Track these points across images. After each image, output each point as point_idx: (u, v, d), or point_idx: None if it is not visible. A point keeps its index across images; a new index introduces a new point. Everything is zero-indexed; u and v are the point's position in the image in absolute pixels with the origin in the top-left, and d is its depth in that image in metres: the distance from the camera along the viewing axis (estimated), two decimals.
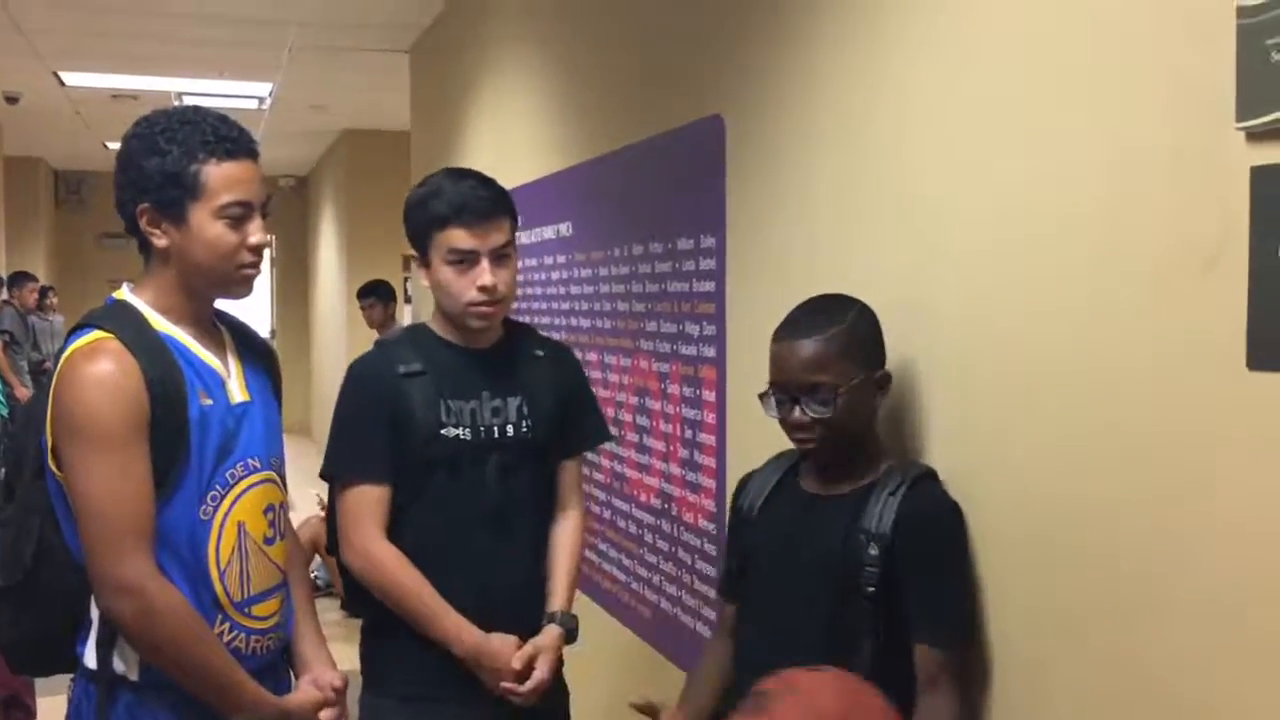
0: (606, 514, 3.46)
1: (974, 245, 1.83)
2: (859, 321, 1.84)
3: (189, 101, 8.02)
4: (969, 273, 1.84)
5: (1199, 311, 1.38)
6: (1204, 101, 1.36)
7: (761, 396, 1.88)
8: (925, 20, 1.95)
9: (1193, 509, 1.41)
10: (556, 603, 2.27)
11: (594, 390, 3.47)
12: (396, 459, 2.16)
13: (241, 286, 1.91)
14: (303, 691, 1.96)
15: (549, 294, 3.98)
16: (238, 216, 1.84)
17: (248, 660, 1.87)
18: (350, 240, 9.95)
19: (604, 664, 3.47)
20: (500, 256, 2.18)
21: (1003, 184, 1.76)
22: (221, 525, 1.85)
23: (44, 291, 10.29)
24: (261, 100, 8.37)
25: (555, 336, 3.83)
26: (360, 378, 2.25)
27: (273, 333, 13.77)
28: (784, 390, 1.84)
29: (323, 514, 6.45)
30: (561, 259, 3.81)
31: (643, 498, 3.18)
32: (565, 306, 3.79)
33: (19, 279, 9.80)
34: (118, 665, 1.81)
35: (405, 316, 7.16)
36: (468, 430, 2.18)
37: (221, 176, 1.82)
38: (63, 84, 7.88)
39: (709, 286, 2.77)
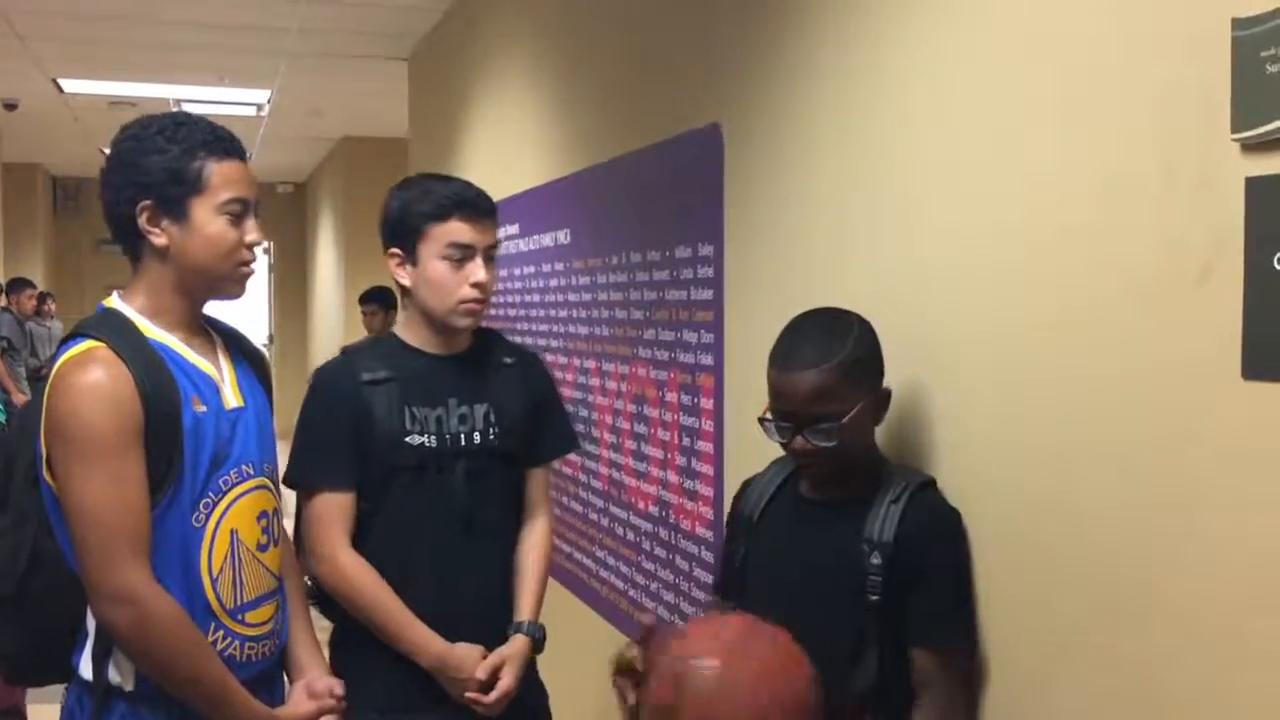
0: (604, 521, 3.46)
1: (971, 255, 1.83)
2: (859, 344, 1.82)
3: (188, 108, 8.05)
4: (967, 282, 1.84)
5: (1194, 321, 1.39)
6: (1200, 113, 1.36)
7: (761, 422, 1.86)
8: (923, 30, 1.95)
9: (1188, 517, 1.41)
10: (524, 612, 2.26)
11: (593, 398, 3.48)
12: (360, 466, 2.16)
13: (238, 285, 1.92)
14: (295, 702, 1.96)
15: (547, 301, 3.98)
16: (237, 214, 1.86)
17: (242, 668, 1.86)
18: (348, 247, 9.95)
19: (601, 670, 3.47)
20: (490, 257, 2.19)
21: (1000, 194, 1.76)
22: (214, 532, 1.84)
23: (42, 297, 10.29)
24: (260, 107, 8.38)
25: (553, 344, 3.84)
26: (323, 385, 2.24)
27: (270, 339, 13.78)
28: (786, 419, 1.82)
29: None
30: (560, 266, 3.81)
31: (641, 505, 3.19)
32: (563, 314, 3.80)
33: (17, 285, 9.80)
34: (113, 676, 1.80)
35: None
36: (433, 437, 2.18)
37: (222, 174, 1.85)
38: (61, 91, 7.89)
39: (707, 295, 2.77)
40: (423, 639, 2.13)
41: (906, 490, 1.80)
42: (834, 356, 1.78)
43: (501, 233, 4.78)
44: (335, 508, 2.16)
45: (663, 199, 3.04)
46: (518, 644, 2.22)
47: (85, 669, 1.83)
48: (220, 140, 1.87)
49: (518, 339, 3.47)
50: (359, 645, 2.17)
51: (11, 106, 8.54)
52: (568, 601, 3.70)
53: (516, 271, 4.41)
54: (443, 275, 2.15)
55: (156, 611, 1.74)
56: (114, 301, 1.90)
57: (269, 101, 8.19)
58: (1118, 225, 1.52)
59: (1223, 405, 1.35)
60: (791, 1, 2.40)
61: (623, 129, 3.33)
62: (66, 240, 13.84)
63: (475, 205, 2.17)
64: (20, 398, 8.88)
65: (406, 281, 2.21)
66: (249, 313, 12.87)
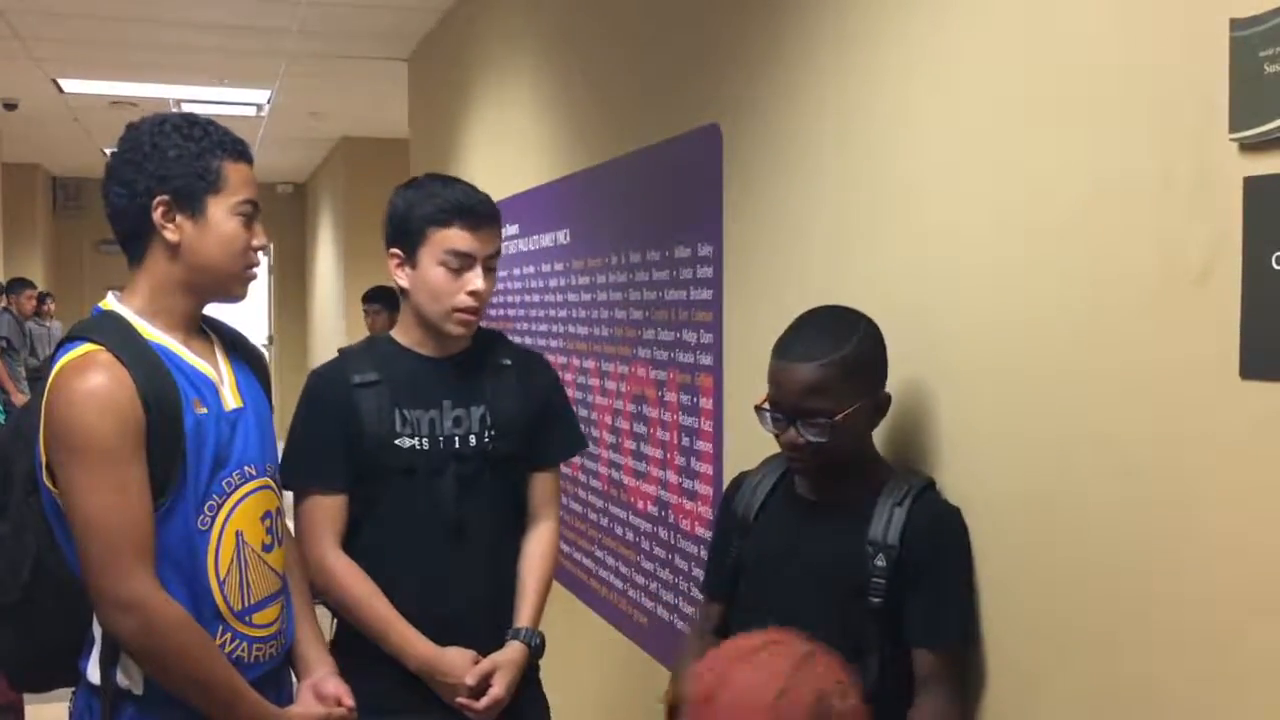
0: (604, 521, 3.46)
1: (971, 254, 1.84)
2: (863, 345, 1.81)
3: (188, 108, 8.04)
4: (965, 283, 1.85)
5: (1193, 320, 1.39)
6: (1198, 113, 1.37)
7: (758, 410, 1.87)
8: (923, 31, 1.96)
9: (1187, 517, 1.41)
10: (522, 618, 2.22)
11: (592, 398, 3.48)
12: (351, 469, 2.15)
13: (243, 287, 1.92)
14: (304, 702, 1.95)
15: (546, 301, 3.98)
16: (249, 215, 1.88)
17: (250, 669, 1.86)
18: (348, 247, 9.95)
19: (600, 670, 3.47)
20: (490, 266, 2.18)
21: (1000, 194, 1.77)
22: (220, 534, 1.84)
23: (41, 298, 10.29)
24: (260, 107, 8.38)
25: (552, 344, 3.84)
26: (314, 387, 2.24)
27: (270, 339, 13.78)
28: (780, 410, 1.82)
29: None
30: (559, 267, 3.81)
31: (640, 505, 3.19)
32: (563, 314, 3.80)
33: (16, 285, 9.80)
34: (121, 680, 1.80)
35: None
36: (425, 440, 2.15)
37: (238, 175, 1.87)
38: (61, 91, 7.89)
39: (706, 295, 2.78)
40: (409, 642, 2.12)
41: (909, 493, 1.79)
42: (835, 353, 1.78)
43: (502, 233, 4.79)
44: (324, 510, 2.15)
45: (662, 199, 3.04)
46: (512, 651, 2.18)
47: (93, 673, 1.82)
48: (235, 143, 1.89)
49: (517, 339, 3.47)
50: (357, 647, 2.16)
51: (11, 106, 8.53)
52: (566, 601, 3.71)
53: (516, 272, 4.41)
54: (440, 281, 2.13)
55: (162, 618, 1.73)
56: (111, 303, 1.89)
57: (269, 102, 8.19)
58: (1116, 225, 1.52)
59: (1221, 405, 1.35)
60: (791, 2, 2.40)
61: (622, 129, 3.33)
62: (66, 241, 13.83)
63: (477, 213, 2.15)
64: (20, 398, 8.89)
65: (405, 283, 2.19)
66: (249, 313, 12.87)
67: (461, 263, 2.13)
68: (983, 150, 1.80)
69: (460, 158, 5.50)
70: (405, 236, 2.17)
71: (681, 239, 2.90)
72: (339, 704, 1.96)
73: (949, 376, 1.88)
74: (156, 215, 1.83)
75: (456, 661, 2.13)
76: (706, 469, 2.77)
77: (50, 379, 1.77)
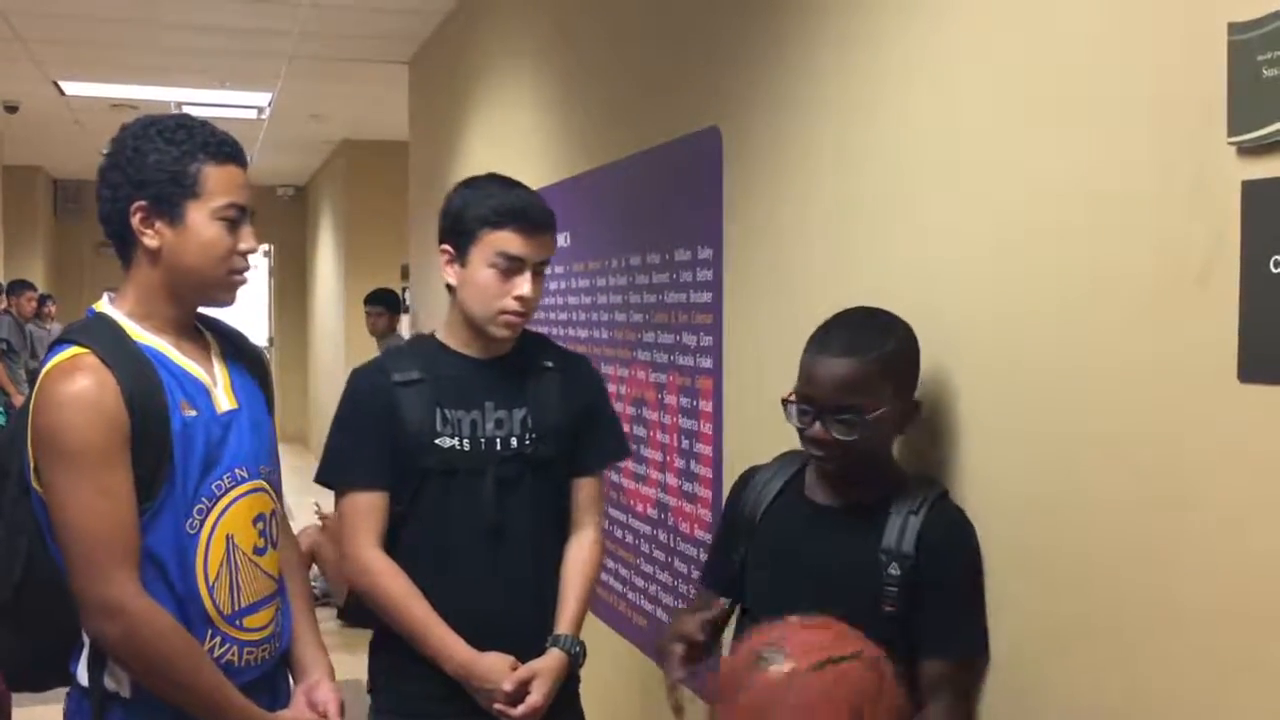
0: (603, 523, 3.46)
1: (970, 258, 1.84)
2: (901, 347, 1.79)
3: (189, 111, 8.05)
4: (965, 285, 1.85)
5: (1191, 324, 1.39)
6: (1197, 116, 1.37)
7: (784, 402, 1.83)
8: (924, 34, 1.96)
9: (1185, 518, 1.42)
10: (563, 625, 2.17)
11: None
12: (392, 467, 2.12)
13: (228, 292, 1.89)
14: (297, 706, 1.93)
15: (547, 304, 3.99)
16: (233, 220, 1.83)
17: (241, 673, 1.84)
18: (349, 250, 9.96)
19: (599, 672, 3.47)
20: (539, 271, 2.14)
21: (1000, 196, 1.77)
22: (209, 538, 1.82)
23: (42, 300, 10.29)
24: (261, 110, 8.39)
25: None
26: (356, 385, 2.22)
27: (271, 342, 13.78)
28: (810, 403, 1.78)
29: (321, 523, 6.46)
30: (559, 269, 3.82)
31: (639, 508, 3.19)
32: (563, 317, 3.81)
33: (17, 287, 9.81)
34: (109, 683, 1.79)
35: (404, 326, 7.16)
36: (466, 441, 2.13)
37: (220, 178, 1.82)
38: (62, 93, 7.90)
39: (706, 297, 2.78)
40: (447, 645, 2.08)
41: (925, 501, 1.76)
42: (872, 350, 1.75)
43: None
44: (364, 508, 2.13)
45: (662, 202, 3.04)
46: (551, 658, 2.13)
47: (82, 675, 1.81)
48: (221, 145, 1.84)
49: None
50: (396, 648, 2.13)
51: (12, 109, 8.54)
52: None
53: None
54: (488, 283, 2.10)
55: (145, 623, 1.72)
56: (103, 305, 1.88)
57: (270, 105, 8.20)
58: (1116, 228, 1.52)
59: (1219, 408, 1.35)
60: (791, 4, 2.40)
61: (622, 132, 3.34)
62: (67, 243, 13.84)
63: (531, 218, 2.11)
64: (20, 400, 8.88)
65: (453, 280, 2.16)
66: (249, 315, 12.88)
67: (511, 265, 2.09)
68: (983, 154, 1.81)
69: (460, 161, 5.50)
70: (458, 234, 2.14)
71: (681, 242, 2.90)
72: (326, 713, 1.93)
73: (949, 378, 1.88)
74: (135, 221, 1.81)
75: (495, 666, 2.08)
76: (706, 472, 2.77)
77: (38, 382, 1.77)
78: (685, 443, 2.90)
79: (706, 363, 2.78)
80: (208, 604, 1.81)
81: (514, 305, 2.10)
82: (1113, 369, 1.53)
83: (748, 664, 1.53)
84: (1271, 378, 1.28)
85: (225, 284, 1.87)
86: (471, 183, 2.21)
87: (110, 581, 1.70)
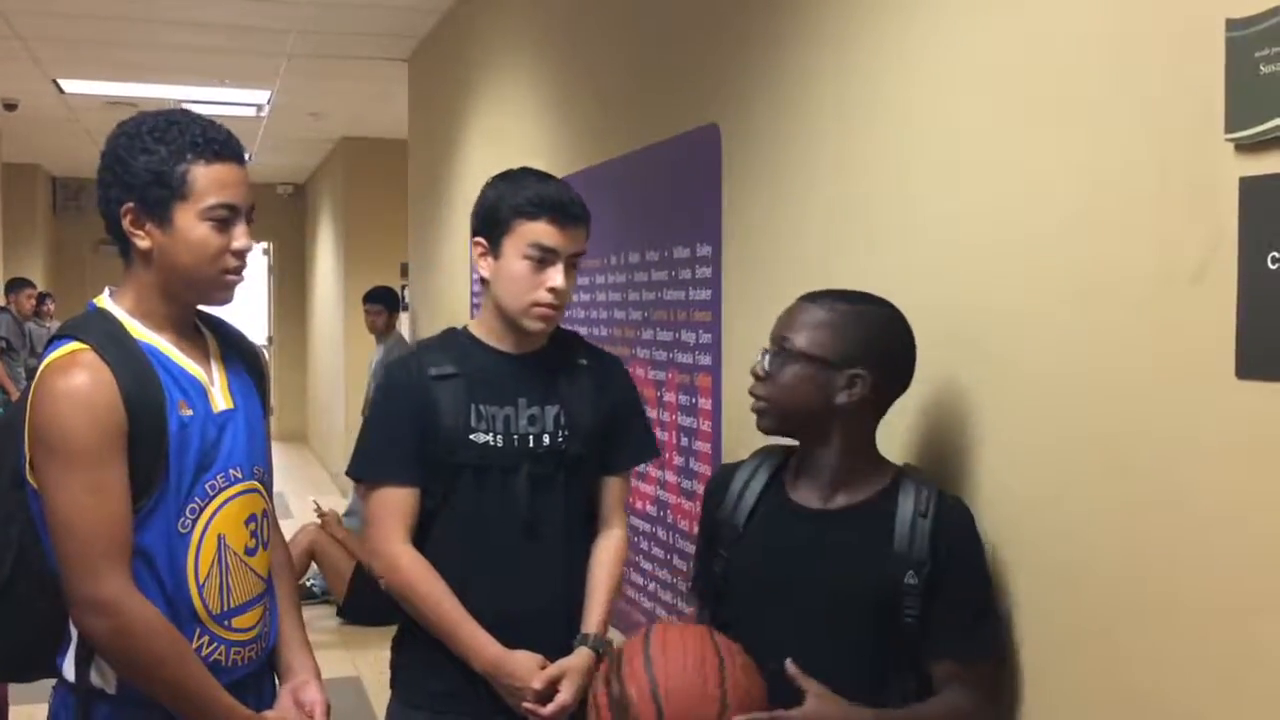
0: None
1: (968, 256, 1.84)
2: (868, 313, 1.75)
3: (188, 109, 8.05)
4: (962, 283, 1.85)
5: (1189, 320, 1.39)
6: (1194, 113, 1.37)
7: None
8: (922, 32, 1.96)
9: (1182, 515, 1.42)
10: (591, 624, 2.15)
11: None
12: (424, 462, 2.11)
13: (223, 291, 1.87)
14: (283, 707, 1.92)
15: None
16: (223, 219, 1.80)
17: (228, 672, 1.84)
18: (348, 248, 9.95)
19: None
20: (573, 264, 2.13)
21: (997, 194, 1.77)
22: (201, 538, 1.81)
23: (41, 298, 10.29)
24: (260, 108, 8.39)
25: None
26: (391, 379, 2.22)
27: (270, 340, 13.78)
28: (770, 344, 1.80)
29: (320, 521, 6.45)
30: None
31: (639, 505, 3.19)
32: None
33: (16, 285, 9.81)
34: (95, 679, 1.79)
35: (403, 324, 7.16)
36: (499, 437, 2.12)
37: (209, 178, 1.79)
38: (61, 91, 7.89)
39: (705, 295, 2.78)
40: (478, 642, 2.06)
41: (929, 500, 1.71)
42: (837, 302, 1.75)
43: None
44: (396, 503, 2.11)
45: (661, 199, 3.04)
46: (580, 657, 2.11)
47: (68, 670, 1.81)
48: (211, 142, 1.80)
49: None
50: (422, 643, 2.13)
51: (11, 107, 8.54)
52: None
53: None
54: (521, 274, 2.09)
55: (134, 621, 1.72)
56: (104, 301, 1.87)
57: (269, 102, 8.20)
58: (1115, 225, 1.52)
59: (1217, 404, 1.35)
60: (791, 2, 2.40)
61: (621, 130, 3.34)
62: (66, 241, 13.83)
63: (565, 210, 2.09)
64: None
65: (486, 273, 2.16)
66: (248, 314, 12.87)
67: (544, 257, 2.08)
68: (981, 151, 1.81)
69: (460, 158, 5.50)
70: (492, 226, 2.13)
71: (680, 239, 2.90)
72: (313, 713, 1.92)
73: (946, 376, 1.88)
74: (125, 223, 1.80)
75: (524, 664, 2.07)
76: (705, 469, 2.78)
77: (36, 376, 1.76)
78: (684, 440, 2.90)
79: (705, 360, 2.78)
80: (197, 603, 1.81)
81: (546, 297, 2.09)
82: (1111, 366, 1.53)
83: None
84: (1269, 374, 1.28)
85: (218, 284, 1.85)
86: (506, 175, 2.19)
87: (101, 578, 1.70)
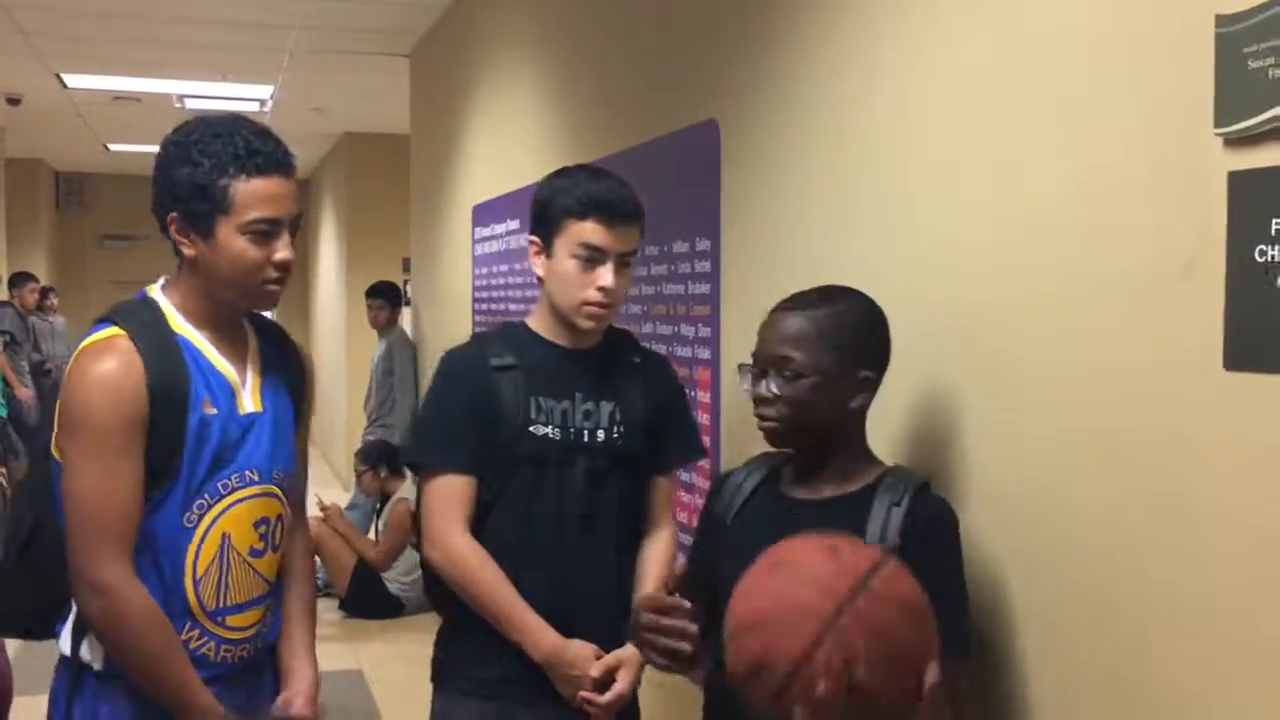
0: None
1: (963, 250, 1.86)
2: (852, 311, 1.76)
3: (191, 104, 8.06)
4: (958, 276, 1.86)
5: (1179, 313, 1.41)
6: (1185, 108, 1.39)
7: (740, 368, 1.82)
8: (919, 27, 1.98)
9: (1173, 505, 1.43)
10: None
11: None
12: (484, 452, 2.11)
13: (264, 301, 1.90)
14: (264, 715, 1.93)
15: None
16: (264, 233, 1.82)
17: (215, 667, 1.87)
18: (350, 243, 9.97)
19: None
20: (624, 263, 2.13)
21: (992, 189, 1.79)
22: (205, 534, 1.85)
23: (44, 292, 10.31)
24: (262, 103, 8.40)
25: None
26: (451, 367, 2.20)
27: None
28: (758, 363, 1.78)
29: (322, 515, 6.47)
30: None
31: None
32: None
33: (20, 279, 9.83)
34: (85, 654, 1.84)
35: (405, 319, 7.18)
36: (557, 430, 2.13)
37: (250, 193, 1.80)
38: (65, 86, 7.91)
39: (704, 289, 2.80)
40: (538, 631, 2.08)
41: (906, 492, 1.72)
42: (821, 308, 1.75)
43: (502, 228, 4.83)
44: (455, 491, 2.11)
45: (660, 194, 3.06)
46: (633, 649, 2.09)
47: (64, 642, 1.88)
48: (254, 155, 1.81)
49: None
50: (471, 636, 2.14)
51: (15, 101, 8.56)
52: None
53: (516, 266, 4.43)
54: (571, 273, 2.10)
55: (129, 609, 1.77)
56: (155, 290, 1.91)
57: (271, 98, 8.22)
58: (1106, 219, 1.54)
59: (1206, 396, 1.37)
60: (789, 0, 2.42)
61: (621, 125, 3.36)
62: (69, 235, 13.87)
63: (614, 209, 2.09)
64: (24, 391, 8.92)
65: (540, 271, 2.17)
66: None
67: (594, 256, 2.08)
68: (976, 147, 1.82)
69: (461, 153, 5.52)
70: (544, 225, 2.14)
71: (680, 233, 2.92)
72: None
73: (941, 369, 1.90)
74: (171, 231, 1.84)
75: (582, 654, 2.09)
76: (704, 463, 2.79)
77: (73, 356, 1.82)
78: None
79: (704, 354, 2.80)
80: (190, 597, 1.84)
81: (596, 296, 2.09)
82: (1103, 359, 1.55)
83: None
84: (1256, 365, 1.30)
85: (260, 293, 1.87)
86: (561, 173, 2.21)
87: (102, 561, 1.76)
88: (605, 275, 2.08)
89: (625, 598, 2.18)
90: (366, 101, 8.35)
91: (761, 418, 1.78)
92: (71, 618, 1.86)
